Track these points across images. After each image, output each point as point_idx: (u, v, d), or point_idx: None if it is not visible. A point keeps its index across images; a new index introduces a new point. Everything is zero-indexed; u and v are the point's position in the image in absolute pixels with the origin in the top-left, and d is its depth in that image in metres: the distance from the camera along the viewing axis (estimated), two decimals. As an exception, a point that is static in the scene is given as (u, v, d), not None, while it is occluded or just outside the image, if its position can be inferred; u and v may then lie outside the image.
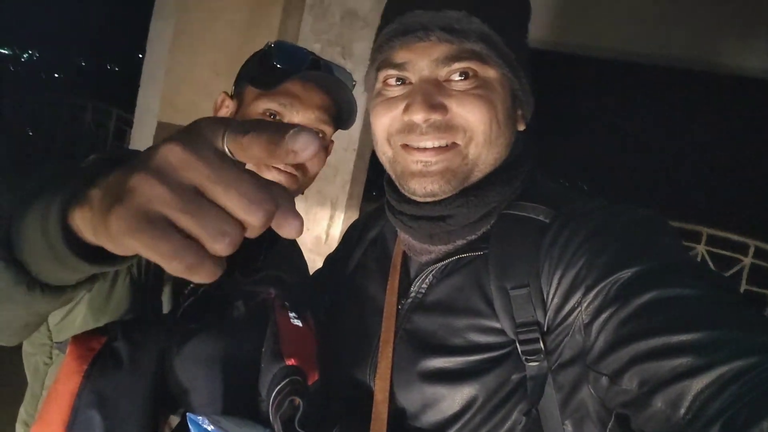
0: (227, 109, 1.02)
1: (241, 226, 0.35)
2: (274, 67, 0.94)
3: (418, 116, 0.72)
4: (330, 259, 1.11)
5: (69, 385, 0.63)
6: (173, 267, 0.34)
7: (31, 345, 0.79)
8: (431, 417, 0.72)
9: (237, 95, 1.01)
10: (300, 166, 0.93)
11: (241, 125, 0.36)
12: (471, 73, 0.73)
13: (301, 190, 1.00)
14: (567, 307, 0.66)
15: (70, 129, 5.27)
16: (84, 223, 0.41)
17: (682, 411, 0.49)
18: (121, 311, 0.75)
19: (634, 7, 2.48)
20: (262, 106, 0.93)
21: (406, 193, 0.79)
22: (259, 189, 0.35)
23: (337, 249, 1.09)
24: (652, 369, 0.52)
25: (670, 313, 0.54)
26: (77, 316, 0.74)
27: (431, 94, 0.72)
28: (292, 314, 0.79)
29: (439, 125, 0.72)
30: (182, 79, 3.27)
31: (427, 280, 0.80)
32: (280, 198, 0.37)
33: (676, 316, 0.54)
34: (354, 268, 0.96)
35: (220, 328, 0.74)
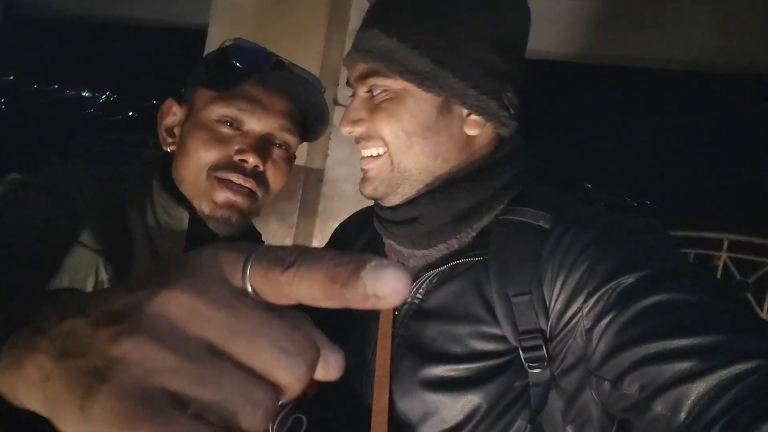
0: (175, 116, 0.88)
1: (276, 387, 0.26)
2: (232, 66, 0.81)
3: (344, 130, 0.80)
4: None
5: None
6: None
7: None
8: (433, 426, 0.71)
9: (186, 100, 0.87)
10: (262, 182, 0.83)
11: (274, 254, 0.27)
12: (381, 88, 0.77)
13: (258, 212, 0.87)
14: (569, 313, 0.65)
15: (131, 164, 5.64)
16: (17, 388, 0.28)
17: (683, 415, 0.49)
18: None
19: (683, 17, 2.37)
20: (218, 112, 0.80)
21: None
22: (296, 334, 0.26)
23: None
24: (653, 373, 0.52)
25: (671, 317, 0.54)
26: None
27: (354, 110, 0.79)
28: None
29: (364, 136, 0.79)
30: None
31: (423, 286, 0.79)
32: (316, 336, 0.28)
33: (677, 321, 0.53)
34: None
35: None
